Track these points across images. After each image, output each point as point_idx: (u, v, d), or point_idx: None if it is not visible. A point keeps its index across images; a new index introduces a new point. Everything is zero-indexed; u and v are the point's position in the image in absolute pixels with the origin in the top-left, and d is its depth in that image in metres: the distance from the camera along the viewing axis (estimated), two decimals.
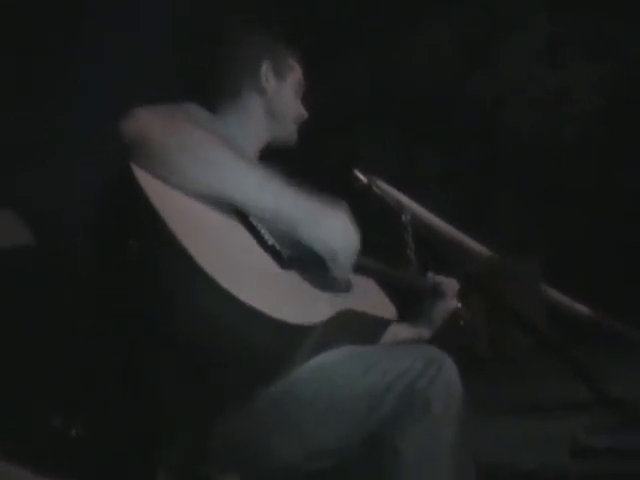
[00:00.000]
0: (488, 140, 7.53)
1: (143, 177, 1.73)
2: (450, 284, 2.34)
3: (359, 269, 1.99)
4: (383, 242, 2.16)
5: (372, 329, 2.01)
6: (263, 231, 1.87)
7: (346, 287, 1.97)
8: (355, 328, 1.90)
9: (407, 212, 2.43)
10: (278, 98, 2.19)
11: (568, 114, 7.79)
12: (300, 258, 1.86)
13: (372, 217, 2.29)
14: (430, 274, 2.34)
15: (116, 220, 1.76)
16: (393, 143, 7.10)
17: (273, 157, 2.18)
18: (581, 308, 3.55)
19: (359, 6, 6.97)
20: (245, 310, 1.64)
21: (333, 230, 1.85)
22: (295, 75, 2.25)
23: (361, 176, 2.46)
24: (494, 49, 7.64)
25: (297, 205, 1.83)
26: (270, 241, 1.86)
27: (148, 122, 1.79)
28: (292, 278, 1.84)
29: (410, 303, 2.26)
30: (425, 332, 2.31)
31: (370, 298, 2.08)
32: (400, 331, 2.20)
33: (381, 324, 2.05)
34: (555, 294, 3.43)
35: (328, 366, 1.82)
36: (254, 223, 1.85)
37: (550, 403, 4.90)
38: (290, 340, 1.73)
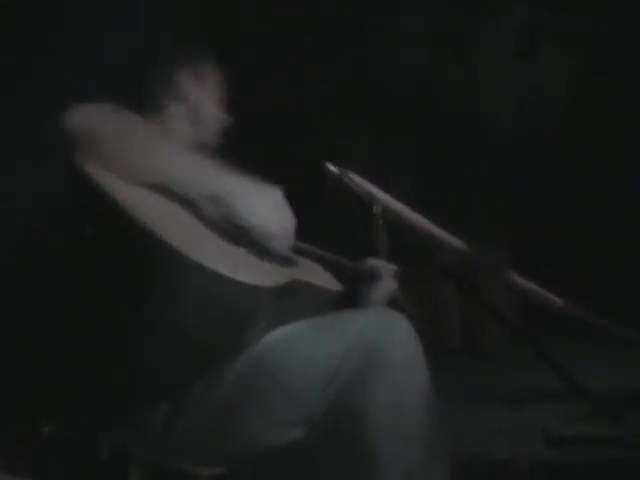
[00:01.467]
0: (460, 132, 7.57)
1: (91, 168, 1.79)
2: (387, 267, 2.37)
3: (301, 252, 2.05)
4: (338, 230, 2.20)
5: (321, 299, 2.05)
6: (208, 214, 1.90)
7: (291, 261, 2.02)
8: (306, 297, 1.95)
9: (378, 203, 2.45)
10: (200, 105, 2.22)
11: (541, 107, 7.85)
12: (240, 240, 1.91)
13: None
14: (368, 258, 2.37)
15: (71, 209, 1.82)
16: (365, 135, 7.11)
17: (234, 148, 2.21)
18: (552, 298, 3.57)
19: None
20: (210, 275, 1.69)
21: (268, 210, 1.92)
22: (215, 81, 2.28)
23: (332, 168, 2.47)
24: (467, 42, 7.67)
25: (234, 187, 1.90)
26: (216, 222, 1.91)
27: (91, 116, 1.88)
28: (241, 253, 1.90)
29: (350, 289, 2.30)
30: None
31: (316, 273, 2.13)
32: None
33: (329, 294, 2.10)
34: (526, 284, 3.44)
35: (289, 336, 1.87)
36: (199, 207, 1.90)
37: (523, 393, 4.94)
38: (251, 302, 1.77)
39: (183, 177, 1.87)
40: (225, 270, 1.72)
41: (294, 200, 2.02)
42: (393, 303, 2.33)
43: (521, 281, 3.39)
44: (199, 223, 1.90)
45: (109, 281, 1.79)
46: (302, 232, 2.20)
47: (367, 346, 1.79)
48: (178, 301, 1.73)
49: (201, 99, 2.23)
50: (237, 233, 1.89)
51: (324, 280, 2.17)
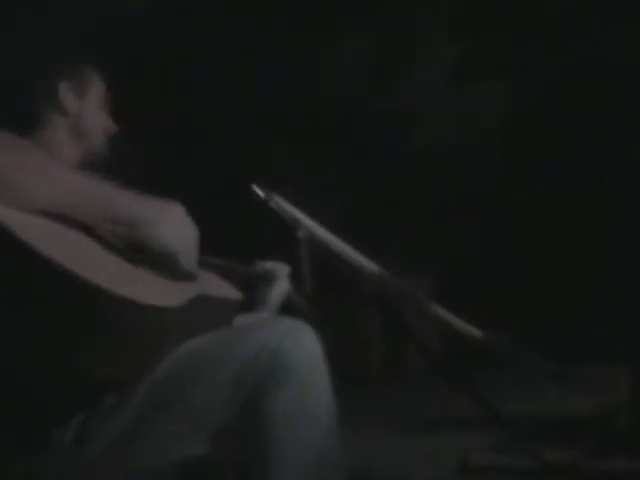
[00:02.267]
0: (392, 156, 7.64)
1: None
2: (280, 268, 2.39)
3: (198, 264, 2.06)
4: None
5: (226, 310, 2.06)
6: (108, 237, 1.89)
7: (191, 277, 2.02)
8: (212, 310, 1.96)
9: (303, 228, 2.45)
10: (82, 115, 2.18)
11: (472, 130, 7.96)
12: (145, 260, 1.90)
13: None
14: (260, 262, 2.39)
15: None
16: (295, 157, 7.14)
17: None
18: (471, 329, 3.59)
19: (266, 22, 7.03)
20: (112, 300, 1.68)
21: (170, 229, 1.90)
22: (97, 90, 2.23)
23: (259, 191, 2.47)
24: (400, 67, 7.76)
25: (133, 208, 1.86)
26: (116, 245, 1.89)
27: None
28: (143, 274, 1.88)
29: (248, 294, 2.32)
30: (265, 316, 2.35)
31: (216, 284, 2.14)
32: (243, 318, 2.24)
33: (232, 305, 2.11)
34: (446, 315, 3.46)
35: (196, 349, 1.86)
36: (100, 232, 1.88)
37: (442, 420, 4.97)
38: (156, 324, 1.77)
39: (80, 202, 1.84)
40: (130, 294, 1.71)
41: (215, 217, 2.03)
42: (290, 303, 2.35)
43: (441, 312, 3.41)
44: (101, 248, 1.87)
45: (6, 309, 1.76)
46: (221, 248, 2.21)
47: (272, 357, 1.79)
48: (85, 325, 1.72)
49: (83, 112, 2.18)
50: (141, 254, 1.87)
51: (225, 291, 2.17)
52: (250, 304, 2.27)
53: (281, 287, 2.35)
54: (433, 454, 4.22)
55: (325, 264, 2.53)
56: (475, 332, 3.57)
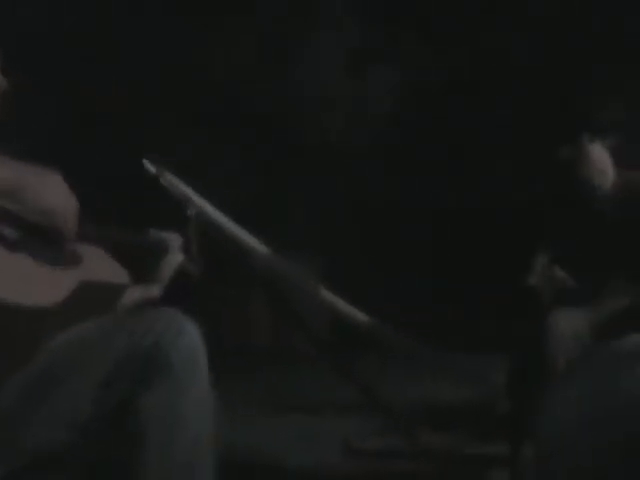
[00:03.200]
0: (282, 141, 7.65)
1: None
2: (173, 238, 2.34)
3: (84, 237, 1.99)
4: None
5: (109, 295, 2.01)
6: None
7: (76, 261, 1.96)
8: (92, 299, 1.90)
9: (193, 207, 2.44)
10: None
11: (364, 120, 8.02)
12: (26, 239, 1.84)
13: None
14: (152, 230, 2.34)
15: None
16: (189, 140, 7.10)
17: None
18: (357, 314, 3.63)
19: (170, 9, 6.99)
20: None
21: (49, 194, 1.84)
22: None
23: (150, 167, 2.44)
24: (295, 54, 7.77)
25: (13, 175, 1.79)
26: None
27: None
28: (22, 261, 1.81)
29: (137, 264, 2.26)
30: (154, 289, 2.30)
31: (101, 266, 2.07)
32: (131, 293, 2.18)
33: (117, 289, 2.05)
34: (333, 298, 3.49)
35: (72, 340, 1.81)
36: None
37: (324, 404, 5.00)
38: (31, 322, 1.72)
39: None
40: (3, 296, 1.65)
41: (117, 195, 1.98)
42: (183, 274, 2.32)
43: (329, 295, 3.44)
44: None
45: None
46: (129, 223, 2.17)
47: (149, 349, 1.75)
48: None
49: None
50: (22, 230, 1.81)
51: (111, 272, 2.11)
52: (140, 275, 2.22)
53: (173, 259, 2.31)
54: (314, 437, 4.24)
55: (214, 243, 2.51)
56: (361, 317, 3.61)
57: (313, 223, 7.61)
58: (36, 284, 1.77)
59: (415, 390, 5.14)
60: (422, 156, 7.72)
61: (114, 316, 1.94)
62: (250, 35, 7.57)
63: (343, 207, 7.78)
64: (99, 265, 2.04)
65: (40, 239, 1.85)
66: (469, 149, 7.52)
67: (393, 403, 3.89)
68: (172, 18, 7.04)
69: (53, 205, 1.84)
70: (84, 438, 1.76)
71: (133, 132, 6.45)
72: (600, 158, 3.21)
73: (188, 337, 1.79)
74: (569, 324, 3.07)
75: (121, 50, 6.79)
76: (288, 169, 7.71)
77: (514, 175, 7.12)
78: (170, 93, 7.08)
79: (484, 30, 7.58)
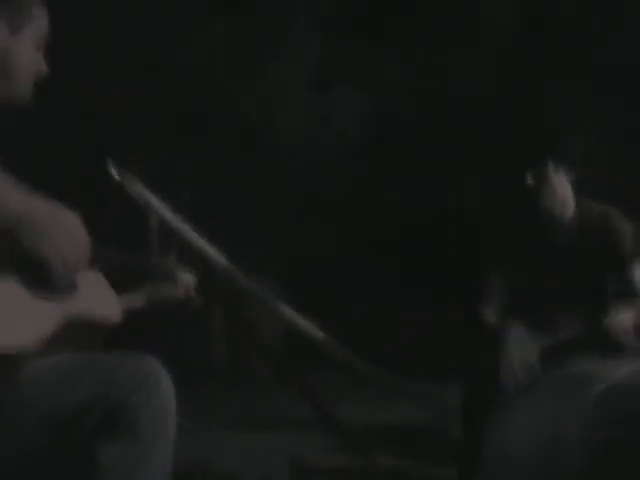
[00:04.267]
0: (247, 154, 7.66)
1: None
2: (187, 276, 2.29)
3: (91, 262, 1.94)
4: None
5: (95, 332, 1.95)
6: None
7: (70, 289, 1.89)
8: (77, 334, 1.85)
9: (155, 215, 2.42)
10: (10, 53, 1.90)
11: (329, 136, 8.05)
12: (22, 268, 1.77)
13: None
14: (162, 260, 2.29)
15: None
16: (155, 145, 7.08)
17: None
18: (314, 331, 3.63)
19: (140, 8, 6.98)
20: None
21: (60, 234, 1.73)
22: (36, 26, 1.94)
23: (115, 173, 2.43)
24: (264, 65, 7.79)
25: (27, 207, 1.70)
26: None
27: None
28: (8, 289, 1.72)
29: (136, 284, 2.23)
30: (138, 300, 2.23)
31: (94, 298, 1.99)
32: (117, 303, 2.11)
33: (104, 327, 1.99)
34: (291, 314, 3.49)
35: (41, 375, 1.73)
36: None
37: (278, 420, 5.00)
38: (7, 361, 1.66)
39: None
40: None
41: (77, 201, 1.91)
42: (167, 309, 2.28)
43: (287, 311, 3.44)
44: None
45: None
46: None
47: (124, 399, 1.68)
48: None
49: (12, 47, 1.89)
50: (17, 263, 1.72)
51: (101, 301, 2.03)
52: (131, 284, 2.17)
53: (175, 291, 2.24)
54: (266, 453, 4.24)
55: (175, 252, 2.50)
56: (318, 334, 3.61)
57: (269, 238, 7.64)
58: (20, 319, 1.70)
59: (369, 410, 5.16)
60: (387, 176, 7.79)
61: (86, 357, 1.82)
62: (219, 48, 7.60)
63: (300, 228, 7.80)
64: (92, 297, 1.95)
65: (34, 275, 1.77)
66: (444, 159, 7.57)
67: (347, 422, 3.90)
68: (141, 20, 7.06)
69: (51, 256, 1.73)
70: (33, 464, 1.72)
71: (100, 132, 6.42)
72: (562, 188, 3.24)
73: (158, 398, 1.73)
74: (520, 351, 3.09)
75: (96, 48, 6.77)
76: (248, 185, 7.75)
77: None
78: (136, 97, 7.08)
79: (452, 46, 7.67)
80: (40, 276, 1.74)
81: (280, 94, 7.78)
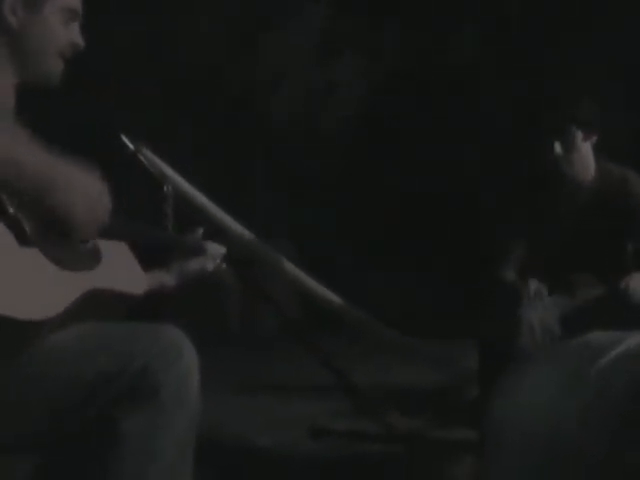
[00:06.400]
0: (250, 123, 7.66)
1: None
2: (217, 247, 2.28)
3: (113, 232, 1.92)
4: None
5: (116, 306, 1.94)
6: (4, 198, 1.69)
7: (94, 260, 1.88)
8: (101, 306, 1.84)
9: (169, 184, 2.42)
10: (31, 32, 1.83)
11: (331, 106, 8.04)
12: (43, 232, 1.75)
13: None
14: (190, 235, 2.28)
15: None
16: (161, 117, 7.09)
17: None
18: (330, 295, 3.64)
19: None
20: None
21: (80, 192, 1.70)
22: (58, 1, 1.86)
23: (128, 143, 2.42)
24: (266, 36, 7.77)
25: (45, 167, 1.65)
26: (12, 210, 1.69)
27: None
28: (33, 259, 1.71)
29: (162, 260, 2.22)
30: (170, 280, 2.23)
31: (119, 270, 1.97)
32: (147, 280, 2.10)
33: (128, 299, 1.99)
34: (306, 279, 3.50)
35: (67, 344, 1.73)
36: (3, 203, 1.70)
37: (292, 385, 5.02)
38: (24, 336, 1.65)
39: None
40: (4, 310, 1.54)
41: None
42: (213, 279, 2.27)
43: (301, 276, 3.44)
44: None
45: None
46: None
47: (136, 375, 1.68)
48: None
49: (34, 25, 1.83)
50: (40, 226, 1.71)
51: (126, 273, 2.01)
52: (161, 262, 2.15)
53: (204, 264, 2.23)
54: (282, 418, 4.26)
55: (191, 220, 2.50)
56: (333, 298, 3.63)
57: (281, 206, 7.63)
58: (38, 293, 1.68)
59: (384, 374, 5.18)
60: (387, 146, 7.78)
61: (110, 327, 1.83)
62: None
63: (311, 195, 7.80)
64: (116, 268, 1.93)
65: (58, 234, 1.73)
66: (444, 137, 7.55)
67: (362, 386, 3.91)
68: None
69: (75, 214, 1.71)
70: (56, 432, 1.73)
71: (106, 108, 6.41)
72: (586, 154, 3.26)
73: (180, 364, 1.73)
74: (540, 315, 3.09)
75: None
76: (254, 154, 7.74)
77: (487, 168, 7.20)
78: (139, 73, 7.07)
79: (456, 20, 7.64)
80: (64, 234, 1.73)
81: (281, 63, 7.76)
